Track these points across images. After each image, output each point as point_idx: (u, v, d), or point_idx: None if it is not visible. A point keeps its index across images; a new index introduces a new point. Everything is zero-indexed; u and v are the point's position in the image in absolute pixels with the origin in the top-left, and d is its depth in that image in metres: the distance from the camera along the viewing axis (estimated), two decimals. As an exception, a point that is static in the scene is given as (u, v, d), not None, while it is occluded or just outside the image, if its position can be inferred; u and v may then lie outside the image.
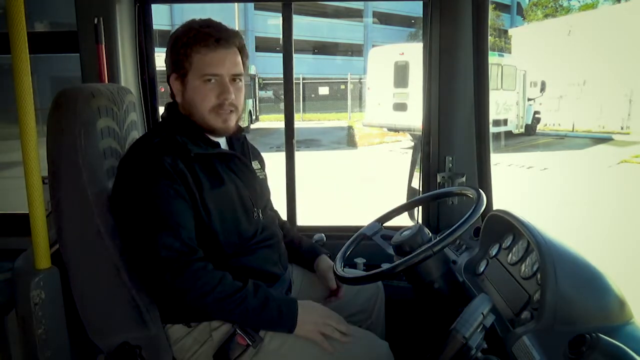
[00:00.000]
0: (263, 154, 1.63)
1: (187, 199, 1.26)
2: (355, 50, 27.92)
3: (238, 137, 1.48)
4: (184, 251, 1.21)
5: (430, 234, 1.34)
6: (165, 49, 1.38)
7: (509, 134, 13.54)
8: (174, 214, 1.23)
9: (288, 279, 1.51)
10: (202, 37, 1.29)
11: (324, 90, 23.23)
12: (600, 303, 1.09)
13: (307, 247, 1.67)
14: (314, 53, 26.62)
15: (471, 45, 1.90)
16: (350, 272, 1.39)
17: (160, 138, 1.31)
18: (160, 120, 1.44)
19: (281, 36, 2.12)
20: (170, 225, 1.21)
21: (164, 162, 1.24)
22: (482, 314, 1.06)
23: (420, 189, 2.09)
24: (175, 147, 1.29)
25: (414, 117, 9.46)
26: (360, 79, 19.75)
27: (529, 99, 14.60)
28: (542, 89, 14.53)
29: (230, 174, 1.38)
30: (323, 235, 1.93)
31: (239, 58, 1.35)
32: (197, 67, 1.30)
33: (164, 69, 1.40)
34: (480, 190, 1.32)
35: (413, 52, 11.50)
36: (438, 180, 2.00)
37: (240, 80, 1.36)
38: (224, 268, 1.28)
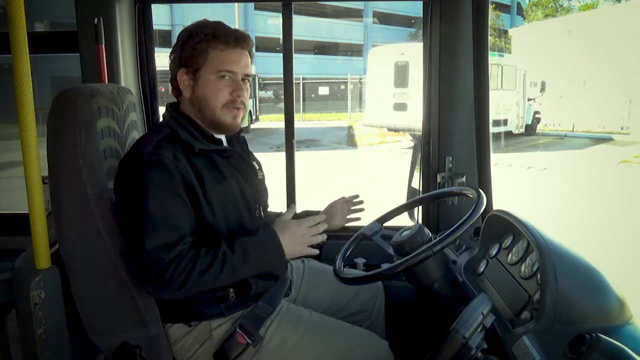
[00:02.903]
0: (263, 154, 1.64)
1: (184, 197, 1.25)
2: (355, 50, 27.91)
3: (238, 137, 1.50)
4: (169, 249, 1.19)
5: (430, 234, 1.34)
6: (165, 49, 1.39)
7: (509, 134, 13.53)
8: (165, 211, 1.21)
9: (288, 279, 1.50)
10: (222, 34, 1.33)
11: (324, 90, 23.17)
12: (600, 303, 1.09)
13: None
14: (314, 53, 26.61)
15: (471, 45, 1.90)
16: (350, 272, 1.39)
17: (164, 135, 1.31)
18: (162, 119, 1.44)
19: (281, 36, 2.12)
20: (159, 223, 1.20)
21: (164, 159, 1.24)
22: (482, 314, 1.06)
23: (420, 189, 2.08)
24: (177, 144, 1.31)
25: (414, 117, 9.47)
26: (360, 79, 19.71)
27: (529, 99, 14.58)
28: (542, 89, 14.51)
29: (232, 170, 1.39)
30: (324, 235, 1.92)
31: (250, 60, 1.39)
32: (213, 62, 1.33)
33: (164, 68, 1.41)
34: (480, 190, 1.32)
35: (413, 52, 11.50)
36: (438, 180, 1.99)
37: (249, 81, 1.40)
38: None
